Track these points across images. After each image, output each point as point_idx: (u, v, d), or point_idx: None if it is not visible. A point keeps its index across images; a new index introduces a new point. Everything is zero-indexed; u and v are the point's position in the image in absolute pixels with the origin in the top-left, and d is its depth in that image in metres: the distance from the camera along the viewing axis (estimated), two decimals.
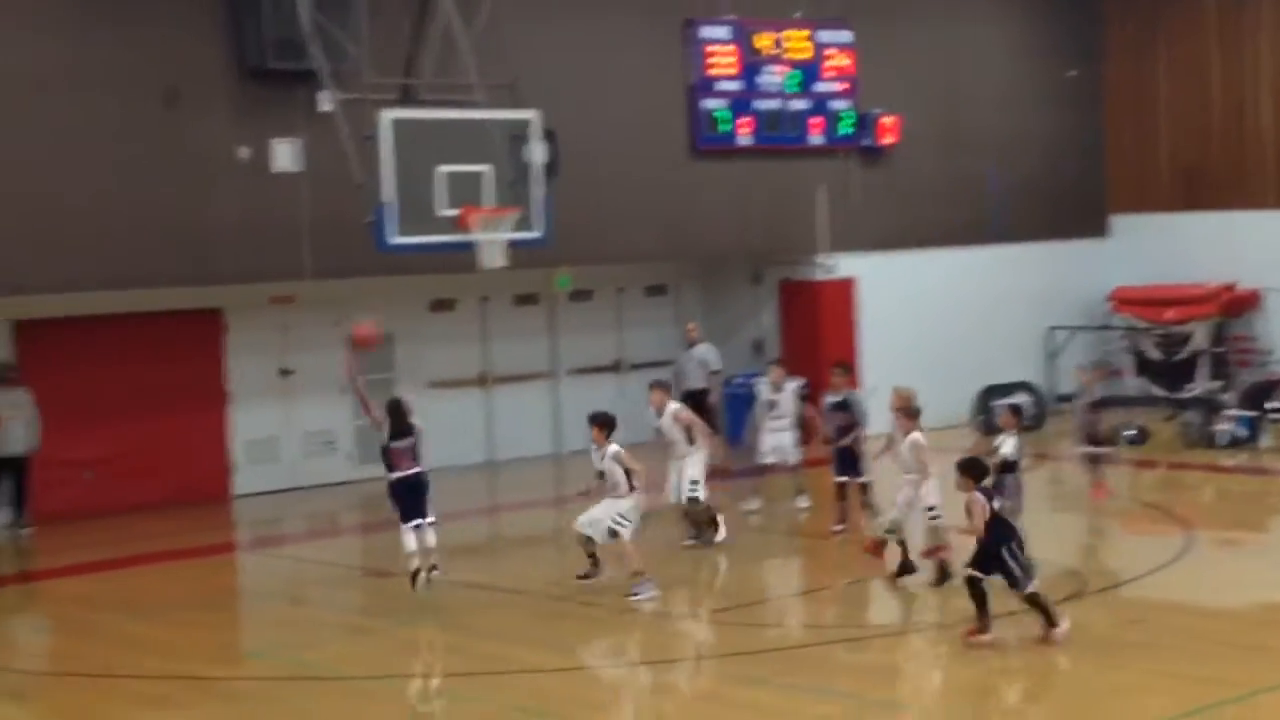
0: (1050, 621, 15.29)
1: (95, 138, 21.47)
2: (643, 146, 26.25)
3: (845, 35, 28.35)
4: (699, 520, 19.89)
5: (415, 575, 17.42)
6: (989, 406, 28.97)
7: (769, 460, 21.79)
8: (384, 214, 20.15)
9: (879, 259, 28.63)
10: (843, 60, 28.40)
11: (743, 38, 27.30)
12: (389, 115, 20.23)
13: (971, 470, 15.42)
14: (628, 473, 17.50)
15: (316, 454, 25.20)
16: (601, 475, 17.65)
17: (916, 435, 18.00)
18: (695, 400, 25.57)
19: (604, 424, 17.70)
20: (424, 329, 26.44)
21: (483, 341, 27.24)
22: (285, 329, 25.04)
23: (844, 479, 20.65)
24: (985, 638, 15.24)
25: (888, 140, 28.82)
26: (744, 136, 27.33)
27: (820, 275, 28.32)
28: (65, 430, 22.88)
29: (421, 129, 20.51)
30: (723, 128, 27.11)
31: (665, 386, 20.23)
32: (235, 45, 22.38)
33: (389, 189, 20.11)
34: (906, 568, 17.79)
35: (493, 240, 20.81)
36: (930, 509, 17.78)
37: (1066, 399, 30.22)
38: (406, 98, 21.31)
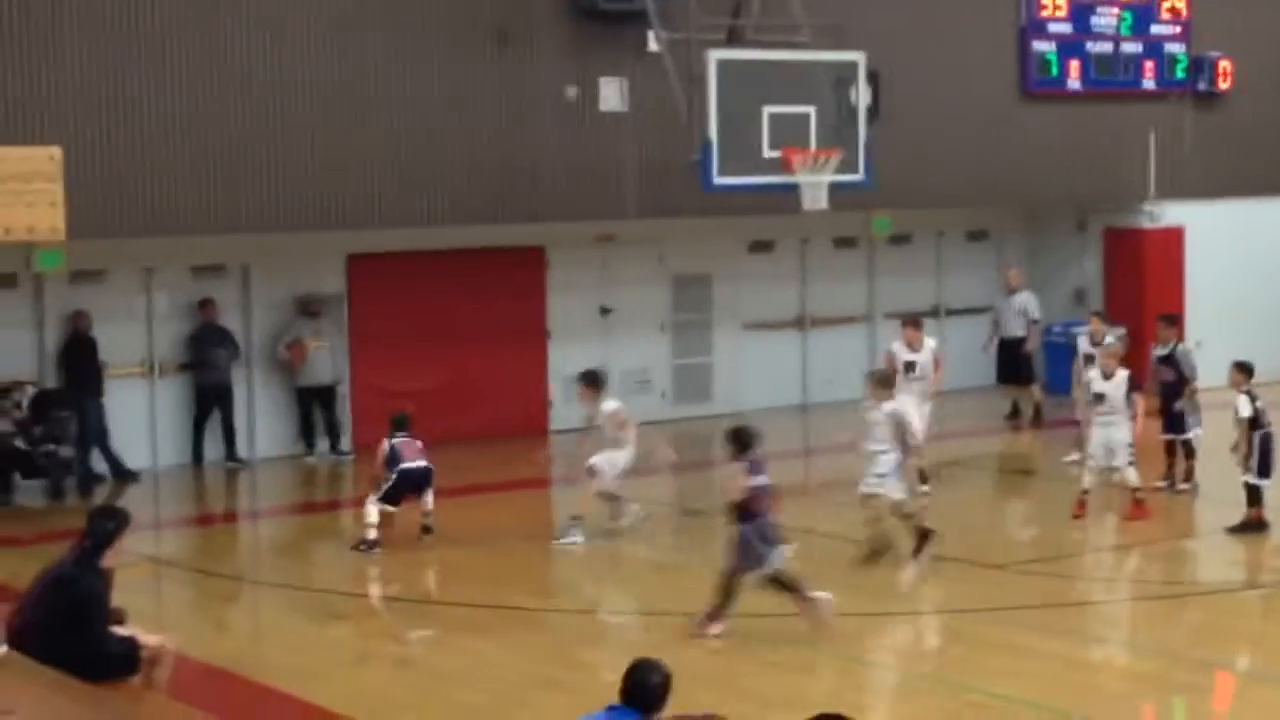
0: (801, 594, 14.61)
1: (427, 75, 21.91)
2: (969, 90, 25.89)
3: None
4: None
5: (365, 543, 17.62)
6: None
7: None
8: (708, 154, 20.24)
9: (1209, 207, 27.82)
10: (1178, 1, 27.62)
11: None
12: (715, 55, 20.30)
13: (735, 440, 14.81)
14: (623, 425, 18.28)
15: (633, 392, 25.39)
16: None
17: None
18: (1014, 349, 25.34)
19: (592, 383, 18.27)
20: (742, 269, 26.50)
21: (801, 283, 27.20)
22: (605, 267, 25.32)
23: (1170, 436, 20.17)
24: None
25: (1223, 84, 27.98)
26: (1073, 80, 26.79)
27: (1147, 223, 27.64)
28: (389, 362, 23.52)
29: (747, 70, 20.56)
30: (1053, 70, 26.61)
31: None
32: None
33: (714, 129, 20.18)
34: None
35: (815, 182, 20.79)
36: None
37: None
38: (733, 38, 21.33)
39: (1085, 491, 18.80)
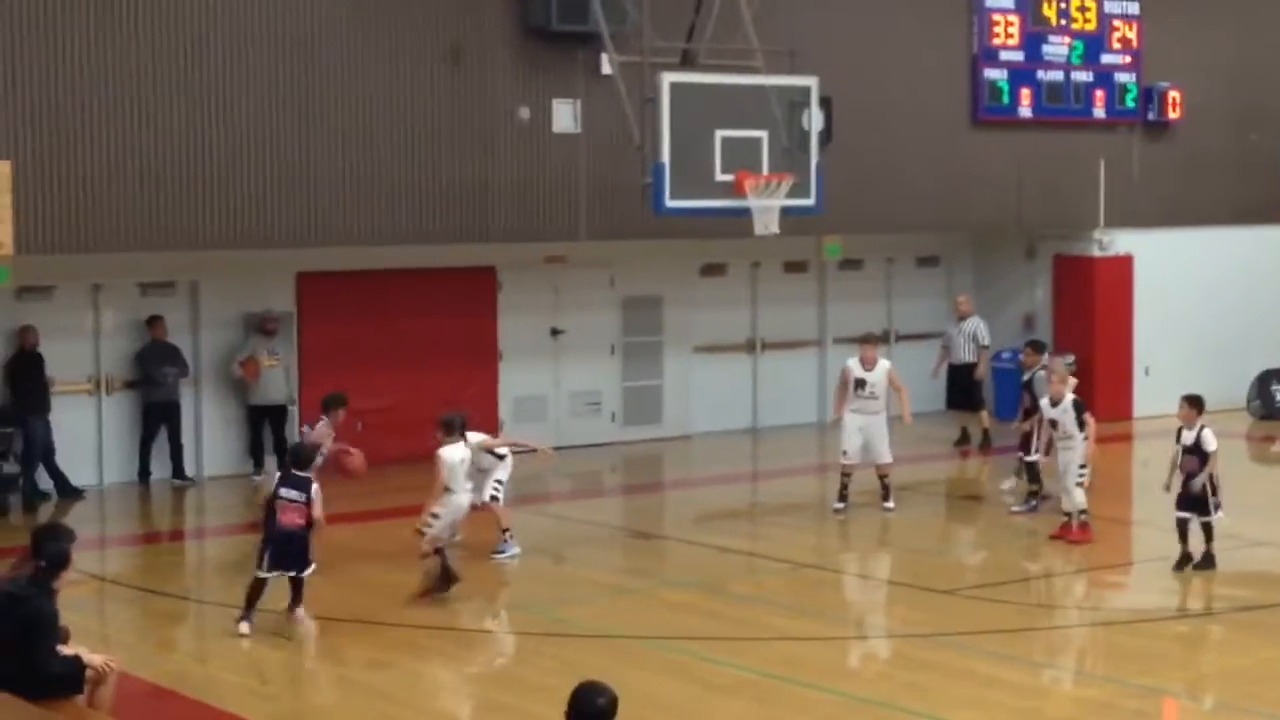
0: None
1: (380, 94, 21.88)
2: (920, 116, 25.99)
3: (1132, 6, 27.76)
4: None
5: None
6: (1267, 391, 28.28)
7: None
8: (660, 177, 20.27)
9: (1158, 236, 28.00)
10: (1128, 31, 27.81)
11: (1027, 7, 26.88)
12: (668, 78, 20.32)
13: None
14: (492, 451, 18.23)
15: (582, 414, 25.46)
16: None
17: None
18: (963, 374, 25.43)
19: (449, 430, 17.39)
20: (693, 293, 26.53)
21: (752, 307, 27.24)
22: (556, 289, 25.31)
23: (1024, 455, 20.79)
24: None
25: (1172, 114, 28.17)
26: (1024, 108, 26.92)
27: (1096, 251, 27.78)
28: (339, 382, 23.35)
29: (700, 93, 20.58)
30: (1004, 98, 26.74)
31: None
32: (519, 5, 22.63)
33: (666, 152, 20.21)
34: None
35: (767, 206, 20.83)
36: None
37: None
38: (686, 61, 21.37)
39: (1067, 515, 18.93)
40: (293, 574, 15.56)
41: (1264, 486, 23.57)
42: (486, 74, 22.55)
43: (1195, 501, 17.44)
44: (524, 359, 24.93)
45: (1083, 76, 27.45)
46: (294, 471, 15.72)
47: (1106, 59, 27.63)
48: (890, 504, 20.69)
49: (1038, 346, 22.04)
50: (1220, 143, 28.87)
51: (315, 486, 15.63)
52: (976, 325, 25.53)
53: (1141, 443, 25.90)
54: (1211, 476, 17.47)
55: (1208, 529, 17.46)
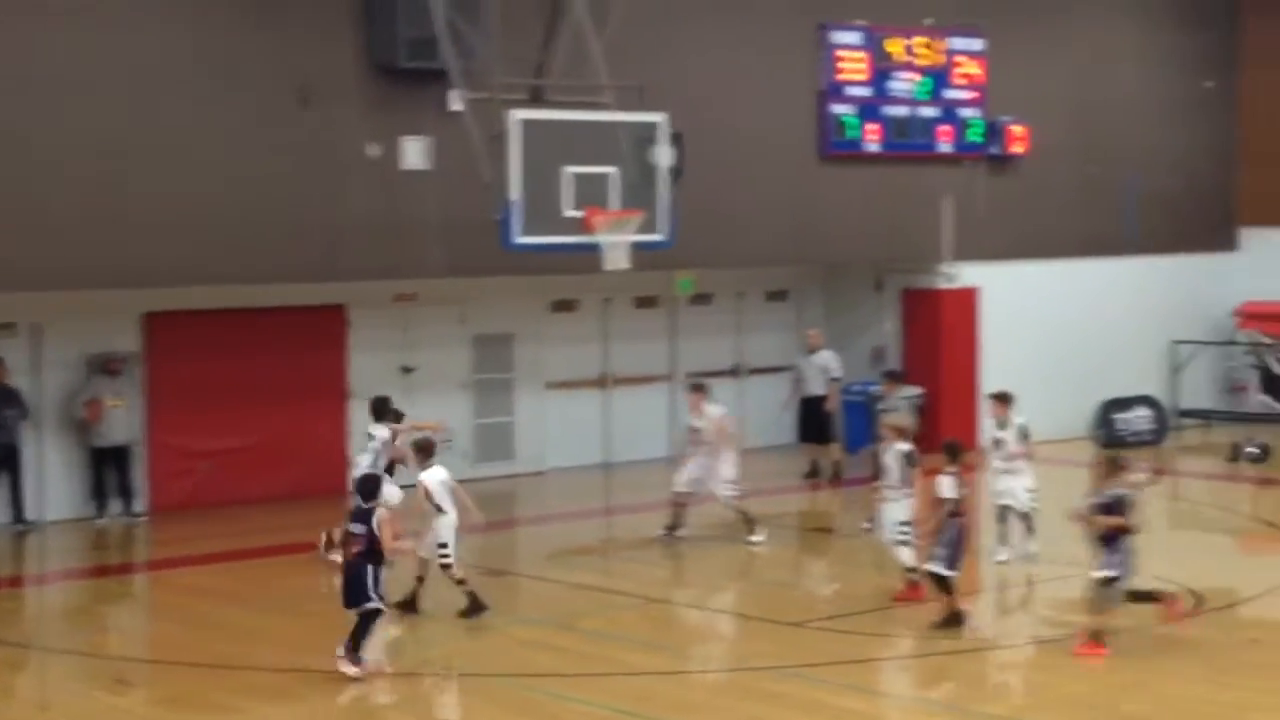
0: None
1: (228, 132, 21.71)
2: (769, 151, 26.19)
3: (976, 43, 28.17)
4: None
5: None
6: (1109, 420, 28.75)
7: None
8: (510, 213, 20.27)
9: (1003, 269, 28.41)
10: (973, 68, 28.21)
11: (874, 43, 27.18)
12: (518, 115, 20.34)
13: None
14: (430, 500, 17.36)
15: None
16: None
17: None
18: (814, 407, 25.63)
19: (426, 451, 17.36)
20: (545, 329, 26.53)
21: (603, 343, 27.30)
22: (406, 327, 25.22)
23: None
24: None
25: (1016, 149, 28.60)
26: (872, 143, 27.21)
27: (943, 284, 28.14)
28: (187, 422, 23.21)
29: (549, 130, 20.62)
30: (851, 133, 27.00)
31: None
32: (367, 43, 22.55)
33: (516, 188, 20.23)
34: None
35: (617, 242, 20.89)
36: None
37: (1189, 414, 30.00)
38: (535, 98, 21.41)
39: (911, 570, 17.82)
40: (350, 610, 15.32)
41: None
42: (336, 111, 22.45)
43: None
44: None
45: (929, 112, 27.80)
46: (359, 504, 15.55)
47: (952, 94, 28.01)
48: (755, 538, 20.80)
49: (894, 376, 22.29)
50: (1063, 176, 29.36)
51: (378, 515, 15.36)
52: (827, 358, 25.74)
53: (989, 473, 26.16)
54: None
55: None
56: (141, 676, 15.83)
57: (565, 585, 18.94)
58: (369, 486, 15.64)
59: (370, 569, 15.20)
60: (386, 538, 15.25)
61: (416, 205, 22.83)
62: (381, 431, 19.73)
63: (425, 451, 17.47)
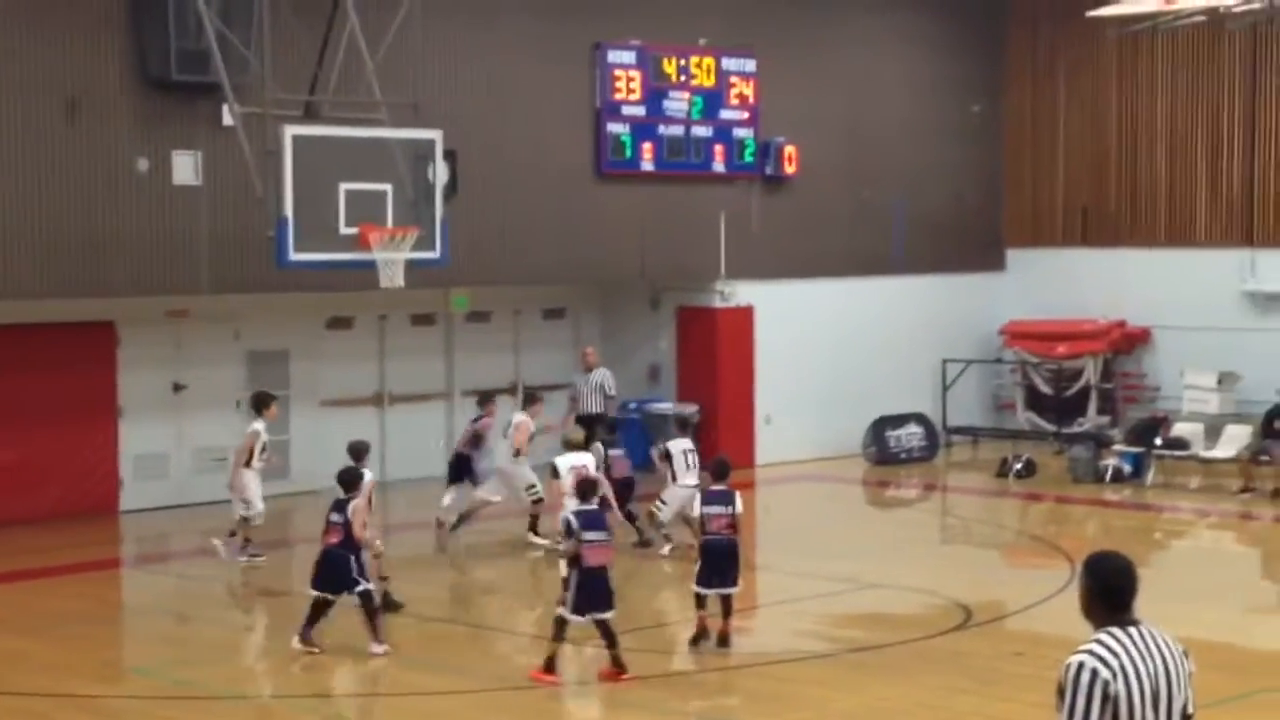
0: None
1: None
2: (545, 169, 26.25)
3: (749, 64, 28.50)
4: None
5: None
6: (882, 437, 29.21)
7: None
8: (284, 230, 20.06)
9: (777, 287, 28.76)
10: (746, 89, 28.53)
11: (648, 63, 27.39)
12: (291, 131, 20.15)
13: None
14: None
15: (206, 470, 24.95)
16: None
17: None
18: (590, 425, 25.66)
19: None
20: (320, 346, 26.31)
21: (379, 360, 27.13)
22: (178, 344, 24.83)
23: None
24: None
25: (789, 169, 28.97)
26: (647, 161, 27.39)
27: (718, 302, 28.42)
28: None
29: (323, 146, 20.47)
30: (626, 152, 27.17)
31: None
32: (138, 56, 22.19)
33: (289, 205, 20.02)
34: None
35: (392, 259, 20.79)
36: None
37: (958, 431, 30.62)
38: (309, 114, 21.23)
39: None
40: (329, 595, 16.10)
41: (879, 530, 24.34)
42: (105, 124, 22.06)
43: None
44: (145, 415, 24.38)
45: (703, 131, 28.06)
46: (339, 495, 16.37)
47: (725, 115, 28.30)
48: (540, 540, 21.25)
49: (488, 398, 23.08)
50: (835, 197, 29.80)
51: (353, 505, 16.15)
52: (604, 376, 25.82)
53: (764, 489, 26.48)
54: None
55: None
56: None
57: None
58: (348, 478, 16.44)
59: (351, 556, 16.05)
60: (357, 525, 16.09)
61: (188, 220, 22.51)
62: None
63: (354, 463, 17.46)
